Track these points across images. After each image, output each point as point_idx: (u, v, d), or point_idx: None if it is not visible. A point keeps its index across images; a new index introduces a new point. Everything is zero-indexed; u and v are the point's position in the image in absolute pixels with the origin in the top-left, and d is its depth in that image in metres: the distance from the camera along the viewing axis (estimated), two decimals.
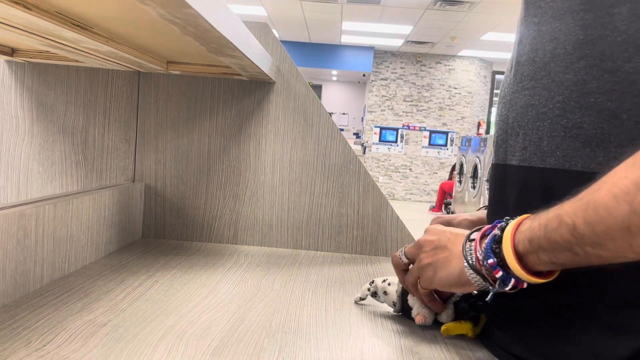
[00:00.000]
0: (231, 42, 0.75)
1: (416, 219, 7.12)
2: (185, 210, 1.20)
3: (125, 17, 0.73)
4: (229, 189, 1.20)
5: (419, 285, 0.68)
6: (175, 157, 1.20)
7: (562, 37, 0.59)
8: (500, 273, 0.54)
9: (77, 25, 0.75)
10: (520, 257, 0.53)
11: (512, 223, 0.55)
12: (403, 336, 0.71)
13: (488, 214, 0.74)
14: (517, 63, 0.66)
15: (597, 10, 0.56)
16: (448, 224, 0.79)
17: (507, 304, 0.62)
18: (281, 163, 1.20)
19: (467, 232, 0.63)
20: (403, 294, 0.76)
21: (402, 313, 0.78)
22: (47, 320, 0.68)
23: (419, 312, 0.73)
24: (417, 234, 1.25)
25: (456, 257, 0.61)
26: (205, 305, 0.78)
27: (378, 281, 0.80)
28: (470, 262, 0.58)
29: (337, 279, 0.98)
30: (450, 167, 9.51)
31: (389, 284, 0.78)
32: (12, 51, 1.09)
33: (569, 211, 0.48)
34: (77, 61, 1.12)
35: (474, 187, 7.23)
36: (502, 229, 0.55)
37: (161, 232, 1.21)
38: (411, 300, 0.74)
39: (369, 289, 0.81)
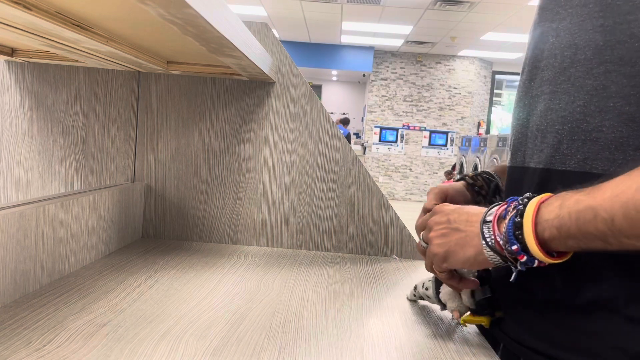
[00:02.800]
0: (231, 42, 0.75)
1: (416, 219, 7.11)
2: (185, 210, 1.20)
3: (125, 17, 0.73)
4: (229, 189, 1.20)
5: (433, 267, 0.70)
6: (175, 157, 1.20)
7: (582, 43, 0.60)
8: (525, 258, 0.56)
9: (77, 25, 0.75)
10: (543, 242, 0.55)
11: (530, 207, 0.56)
12: (403, 336, 0.71)
13: None
14: (535, 68, 0.67)
15: (615, 17, 0.57)
16: (445, 193, 0.82)
17: (525, 298, 0.63)
18: (281, 163, 1.20)
19: (477, 211, 0.64)
20: (437, 293, 0.77)
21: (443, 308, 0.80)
22: (47, 320, 0.68)
23: (453, 309, 0.73)
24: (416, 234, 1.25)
25: (472, 238, 0.62)
26: (205, 305, 0.78)
27: (418, 286, 0.82)
28: (490, 243, 0.60)
29: (337, 279, 0.98)
30: (450, 167, 9.50)
31: (427, 289, 0.80)
32: (12, 51, 1.09)
33: (605, 206, 0.49)
34: (77, 61, 1.12)
35: None
36: (521, 214, 0.56)
37: (161, 232, 1.21)
38: (443, 296, 0.75)
39: (414, 294, 0.84)
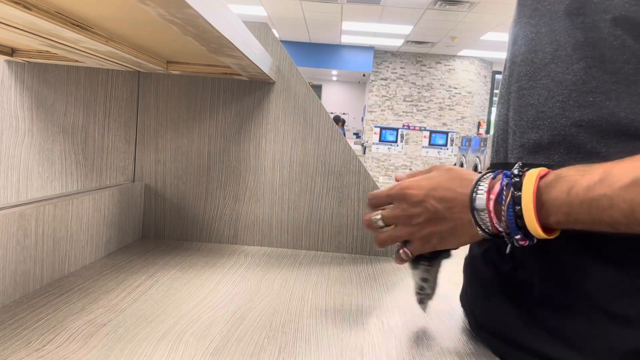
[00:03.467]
0: (231, 42, 0.75)
1: None
2: (185, 210, 1.20)
3: (125, 17, 0.73)
4: (229, 189, 1.20)
5: (403, 250, 0.67)
6: (175, 157, 1.20)
7: (563, 40, 0.60)
8: (527, 242, 0.55)
9: (77, 25, 0.75)
10: (546, 225, 0.53)
11: (528, 189, 0.53)
12: (403, 336, 0.71)
13: None
14: (513, 63, 0.67)
15: (594, 15, 0.57)
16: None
17: (517, 302, 0.63)
18: (281, 163, 1.20)
19: (455, 193, 0.60)
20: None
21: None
22: (47, 320, 0.68)
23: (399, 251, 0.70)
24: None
25: (464, 226, 0.59)
26: (205, 305, 0.78)
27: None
28: (488, 231, 0.58)
29: (337, 279, 0.98)
30: None
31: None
32: (12, 51, 1.09)
33: (625, 196, 0.48)
34: (77, 61, 1.12)
35: None
36: (518, 200, 0.53)
37: (161, 232, 1.21)
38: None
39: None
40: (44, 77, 1.18)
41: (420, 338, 0.71)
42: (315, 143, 1.19)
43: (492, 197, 0.56)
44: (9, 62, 1.18)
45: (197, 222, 1.20)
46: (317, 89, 13.73)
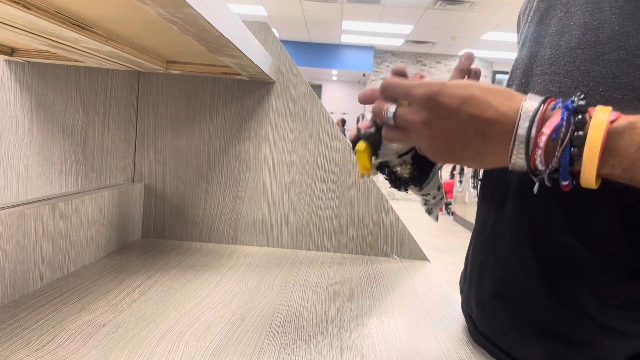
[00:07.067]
0: (231, 42, 0.75)
1: (416, 219, 7.12)
2: (185, 211, 1.20)
3: (125, 16, 0.73)
4: (229, 189, 1.20)
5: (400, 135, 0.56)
6: (175, 157, 1.20)
7: (594, 24, 0.54)
8: (569, 187, 0.46)
9: (77, 25, 0.75)
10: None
11: (595, 137, 0.43)
12: (403, 336, 0.71)
13: (481, 188, 0.68)
14: (537, 43, 0.61)
15: (638, 1, 0.51)
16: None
17: (505, 308, 0.62)
18: (281, 163, 1.19)
19: (495, 107, 0.48)
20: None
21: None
22: (46, 321, 0.68)
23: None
24: (417, 234, 1.24)
25: (495, 154, 0.49)
26: (205, 306, 0.78)
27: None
28: (522, 166, 0.48)
29: (337, 279, 0.98)
30: (451, 166, 9.49)
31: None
32: (11, 51, 1.09)
33: None
34: (76, 61, 1.12)
35: (474, 187, 7.22)
36: (580, 143, 0.44)
37: (161, 233, 1.20)
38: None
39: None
40: (44, 77, 1.18)
41: (421, 338, 0.71)
42: (315, 143, 1.19)
43: (546, 131, 0.45)
44: (8, 61, 1.18)
45: (197, 222, 1.20)
46: (317, 88, 13.73)
